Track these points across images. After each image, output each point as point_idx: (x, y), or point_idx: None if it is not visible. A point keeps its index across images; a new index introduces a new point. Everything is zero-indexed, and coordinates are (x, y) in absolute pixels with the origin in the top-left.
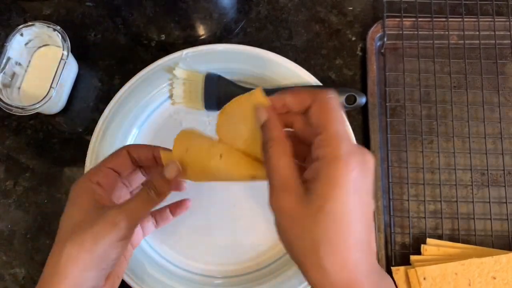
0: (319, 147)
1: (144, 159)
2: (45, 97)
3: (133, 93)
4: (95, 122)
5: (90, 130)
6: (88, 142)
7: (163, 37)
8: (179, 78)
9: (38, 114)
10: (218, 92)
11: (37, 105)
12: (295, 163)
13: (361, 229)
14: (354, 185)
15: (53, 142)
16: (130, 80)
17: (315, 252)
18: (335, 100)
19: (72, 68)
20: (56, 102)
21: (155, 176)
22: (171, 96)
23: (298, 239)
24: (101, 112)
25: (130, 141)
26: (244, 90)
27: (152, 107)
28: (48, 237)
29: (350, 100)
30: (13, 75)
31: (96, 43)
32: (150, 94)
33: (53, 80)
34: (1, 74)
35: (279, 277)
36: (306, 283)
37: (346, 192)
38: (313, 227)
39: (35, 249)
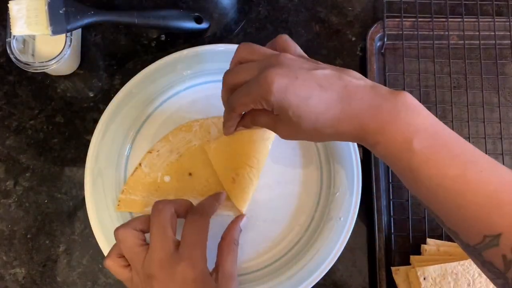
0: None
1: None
2: (63, 47)
3: (133, 93)
4: (95, 122)
5: (90, 130)
6: (88, 142)
7: (163, 37)
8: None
9: (39, 112)
10: (66, 12)
11: (59, 57)
12: None
13: None
14: None
15: (53, 142)
16: (130, 81)
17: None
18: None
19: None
20: (72, 58)
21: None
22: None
23: None
24: (101, 112)
25: (130, 141)
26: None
27: (152, 107)
28: (48, 237)
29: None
30: (24, 41)
31: (96, 43)
32: (150, 94)
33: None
34: (14, 40)
35: (279, 277)
36: (306, 283)
37: None
38: None
39: (35, 249)
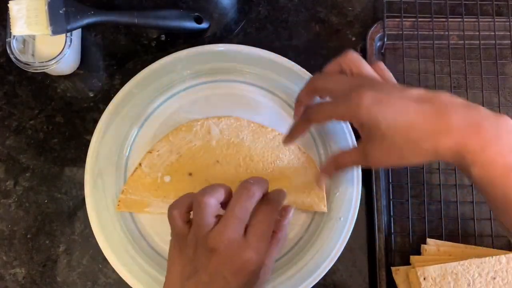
0: None
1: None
2: (63, 48)
3: (133, 93)
4: (95, 122)
5: (90, 130)
6: (88, 142)
7: (163, 37)
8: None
9: (39, 112)
10: (66, 12)
11: (59, 57)
12: None
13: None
14: None
15: (53, 142)
16: (130, 80)
17: None
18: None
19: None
20: (72, 58)
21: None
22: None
23: None
24: (101, 112)
25: (130, 141)
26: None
27: (152, 107)
28: (48, 237)
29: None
30: (24, 41)
31: (96, 43)
32: (150, 94)
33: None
34: (14, 40)
35: (279, 277)
36: (306, 283)
37: None
38: None
39: (35, 249)
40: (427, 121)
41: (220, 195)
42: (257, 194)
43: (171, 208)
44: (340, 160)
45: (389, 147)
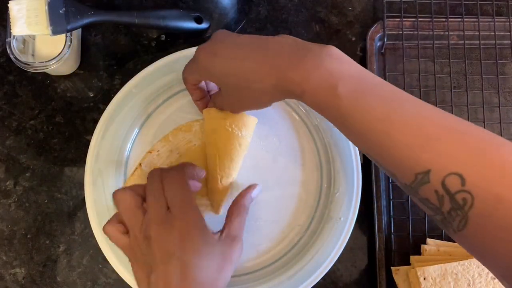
0: None
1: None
2: (63, 47)
3: (133, 93)
4: (95, 122)
5: (90, 130)
6: (88, 142)
7: (163, 37)
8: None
9: (39, 112)
10: (66, 12)
11: (59, 57)
12: None
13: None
14: None
15: (53, 142)
16: (131, 80)
17: None
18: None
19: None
20: (72, 58)
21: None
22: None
23: None
24: (101, 112)
25: (130, 141)
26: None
27: (152, 107)
28: (48, 237)
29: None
30: (24, 41)
31: (96, 43)
32: (150, 94)
33: (66, 35)
34: (14, 40)
35: (279, 277)
36: (306, 283)
37: None
38: None
39: (35, 249)
40: (254, 64)
41: (137, 188)
42: (157, 173)
43: (104, 229)
44: (213, 100)
45: (228, 94)
